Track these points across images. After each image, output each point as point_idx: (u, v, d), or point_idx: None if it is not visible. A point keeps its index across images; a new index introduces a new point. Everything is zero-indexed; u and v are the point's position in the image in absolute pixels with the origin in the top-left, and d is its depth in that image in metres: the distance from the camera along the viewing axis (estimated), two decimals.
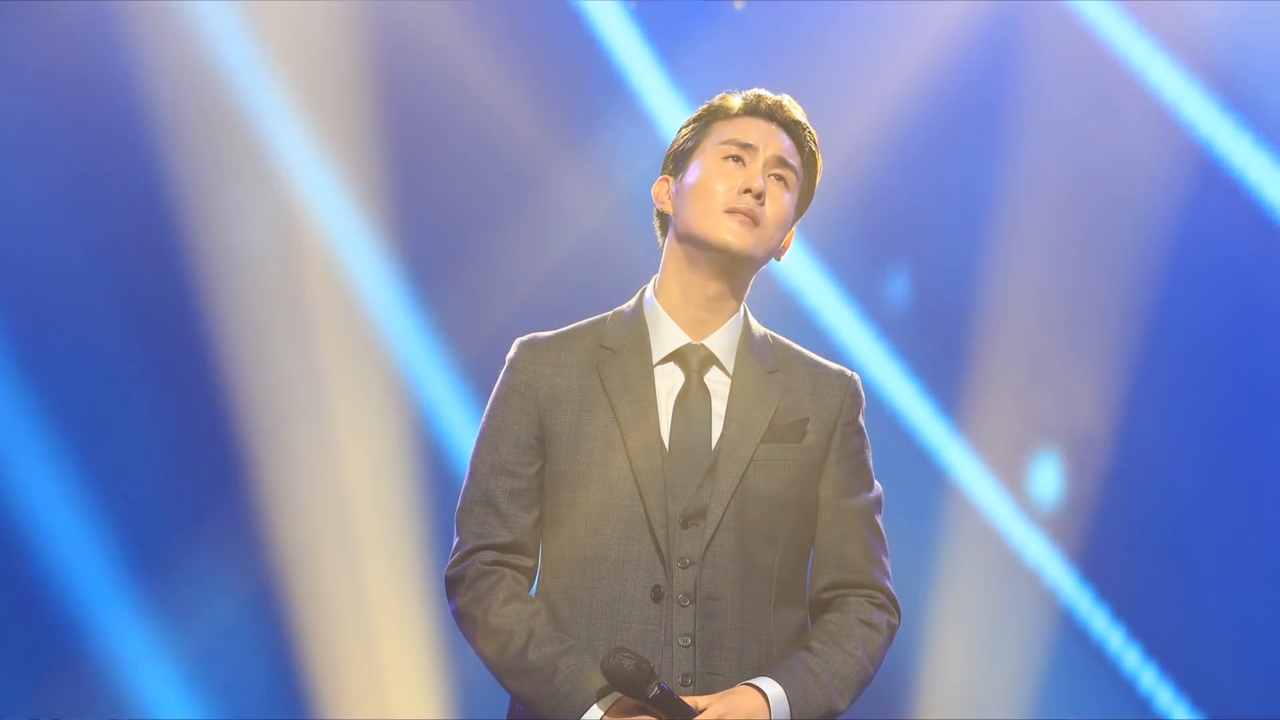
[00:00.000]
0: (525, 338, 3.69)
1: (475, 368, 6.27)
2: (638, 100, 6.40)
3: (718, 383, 3.63)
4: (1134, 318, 6.33)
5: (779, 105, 3.68)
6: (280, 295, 6.26)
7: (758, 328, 3.71)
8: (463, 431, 6.14)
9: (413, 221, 6.35)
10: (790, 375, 3.66)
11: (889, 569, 3.68)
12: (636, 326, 3.65)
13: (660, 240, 3.72)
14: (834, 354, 3.77)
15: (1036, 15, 6.38)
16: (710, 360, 3.63)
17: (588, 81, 6.42)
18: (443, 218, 6.38)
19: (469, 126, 6.38)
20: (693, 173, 3.64)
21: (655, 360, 3.63)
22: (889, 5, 6.39)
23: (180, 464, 6.22)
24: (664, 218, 3.70)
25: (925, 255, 6.41)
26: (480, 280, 6.34)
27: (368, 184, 6.32)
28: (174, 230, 6.24)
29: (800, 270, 6.37)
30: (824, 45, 6.40)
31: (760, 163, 3.62)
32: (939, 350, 6.37)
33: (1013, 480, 6.31)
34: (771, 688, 3.48)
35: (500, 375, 3.68)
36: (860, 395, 3.71)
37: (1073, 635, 6.30)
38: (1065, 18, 6.37)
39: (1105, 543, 6.31)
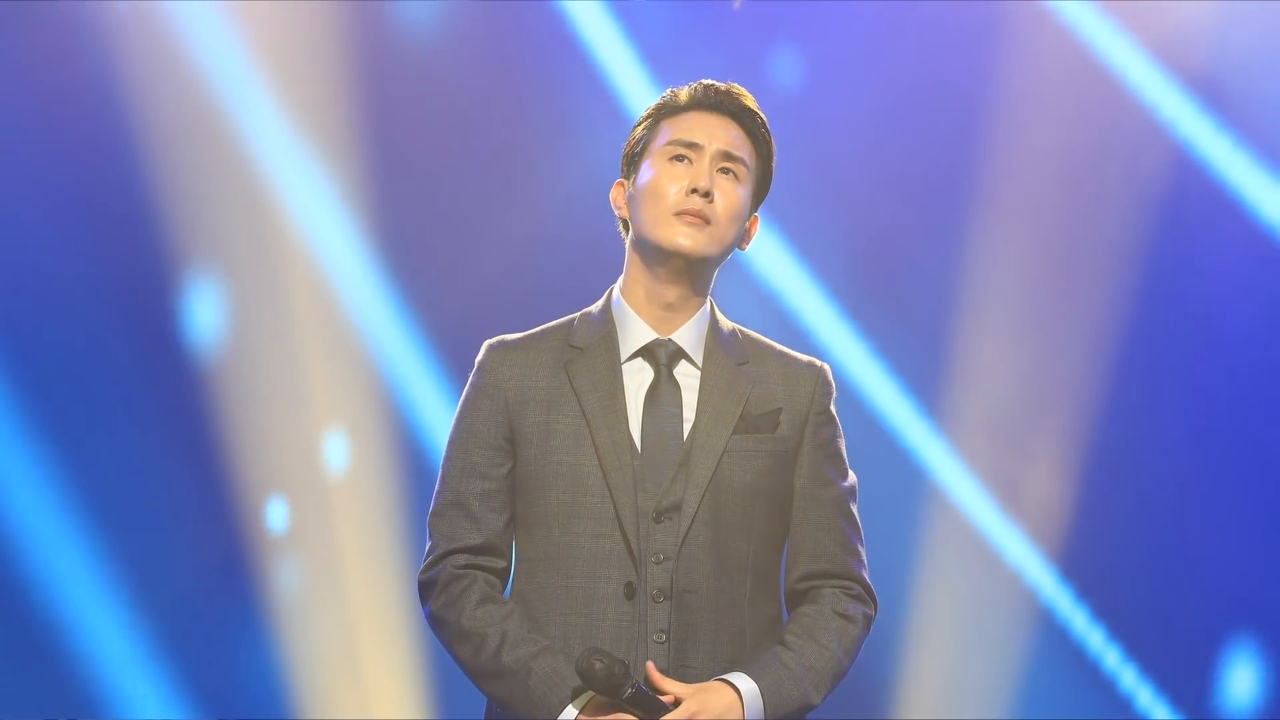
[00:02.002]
0: (493, 340, 3.69)
1: (456, 368, 6.26)
2: (624, 99, 6.39)
3: (687, 376, 3.62)
4: (1115, 317, 6.32)
5: (727, 95, 3.66)
6: (261, 294, 6.26)
7: (725, 322, 3.70)
8: (443, 432, 6.12)
9: (394, 221, 6.35)
10: (760, 367, 3.65)
11: (865, 559, 3.66)
12: (604, 325, 3.65)
13: (626, 241, 3.71)
14: (814, 353, 3.75)
15: (1024, 16, 6.37)
16: (679, 354, 3.62)
17: (574, 80, 6.41)
18: (424, 218, 6.38)
19: (452, 125, 6.37)
20: (643, 176, 3.63)
21: (623, 357, 3.62)
22: (875, 5, 6.38)
23: (162, 464, 6.21)
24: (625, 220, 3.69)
25: (907, 255, 6.40)
26: (461, 280, 6.33)
27: (348, 183, 6.32)
28: (155, 228, 6.24)
29: (780, 269, 6.35)
30: (812, 45, 6.39)
31: (707, 160, 3.60)
32: (919, 351, 6.36)
33: (993, 480, 6.29)
34: (745, 683, 3.47)
35: (469, 378, 3.67)
36: (831, 385, 3.70)
37: (1053, 634, 6.29)
38: (1048, 18, 6.37)
39: (1086, 542, 6.29)
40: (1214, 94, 6.34)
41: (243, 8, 6.29)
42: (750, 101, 3.67)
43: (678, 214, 3.57)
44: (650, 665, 3.46)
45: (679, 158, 3.61)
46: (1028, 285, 6.36)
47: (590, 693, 3.43)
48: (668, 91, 3.69)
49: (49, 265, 6.20)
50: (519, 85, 6.39)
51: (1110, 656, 6.27)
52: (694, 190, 3.57)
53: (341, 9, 6.32)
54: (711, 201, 3.58)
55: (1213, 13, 6.31)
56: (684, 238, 3.57)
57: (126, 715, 6.12)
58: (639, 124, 3.69)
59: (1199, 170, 6.32)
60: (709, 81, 3.67)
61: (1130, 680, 6.25)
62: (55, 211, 6.22)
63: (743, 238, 3.67)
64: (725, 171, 3.61)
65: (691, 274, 3.62)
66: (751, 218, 3.68)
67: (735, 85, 3.68)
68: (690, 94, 3.66)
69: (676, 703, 3.43)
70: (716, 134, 3.62)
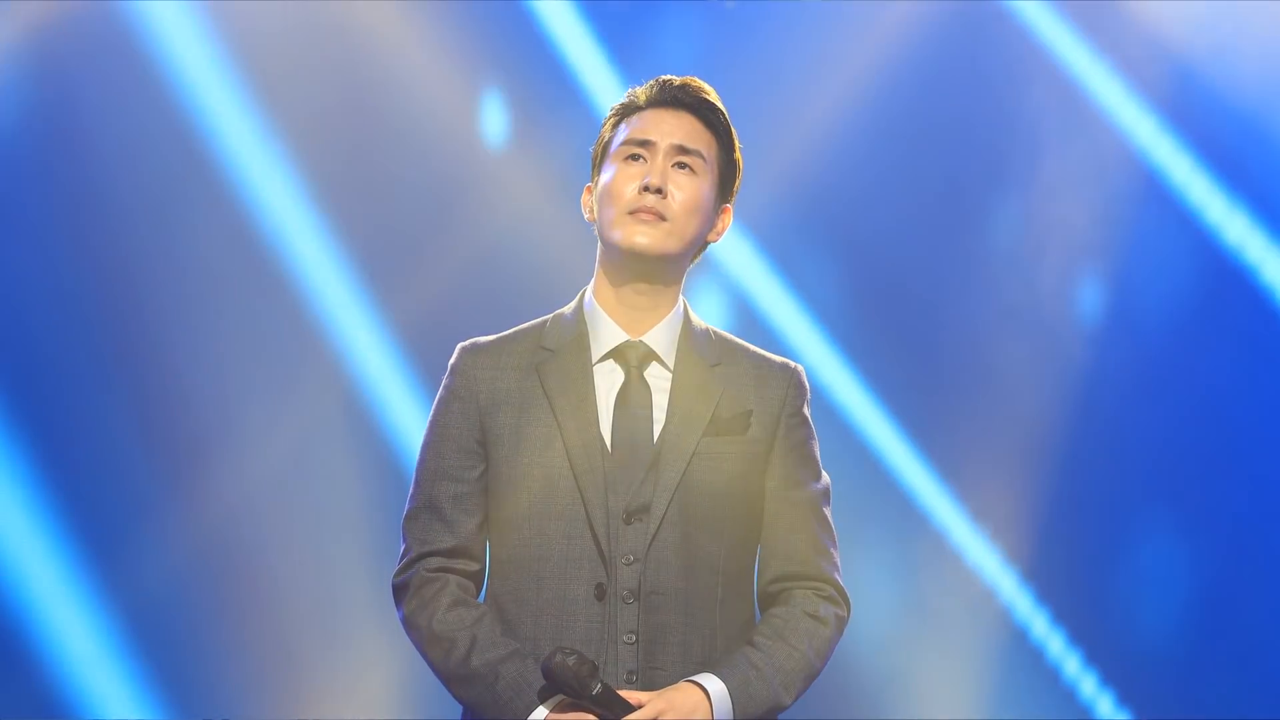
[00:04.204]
0: (466, 342, 3.69)
1: (428, 370, 6.26)
2: (597, 100, 6.39)
3: (659, 378, 3.61)
4: (1081, 324, 6.34)
5: (682, 89, 3.65)
6: (230, 293, 6.25)
7: (699, 323, 3.69)
8: (415, 434, 6.13)
9: (365, 223, 6.34)
10: (733, 368, 3.64)
11: (838, 561, 3.65)
12: (576, 327, 3.65)
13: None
14: (784, 353, 3.74)
15: (1007, 18, 6.39)
16: (650, 356, 3.62)
17: (545, 81, 6.41)
18: (396, 220, 6.37)
19: (423, 125, 6.37)
20: (603, 177, 3.64)
21: (595, 359, 3.62)
22: (862, 6, 6.39)
23: (131, 464, 6.21)
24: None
25: (878, 259, 6.41)
26: (434, 282, 6.32)
27: (319, 184, 6.32)
28: (123, 227, 6.24)
29: (749, 271, 6.35)
30: (796, 44, 6.40)
31: (660, 156, 3.60)
32: (891, 357, 6.36)
33: (959, 482, 6.30)
34: (713, 683, 3.47)
35: (443, 381, 3.68)
36: (805, 386, 3.69)
37: (1014, 637, 6.30)
38: (1023, 28, 6.39)
39: (1048, 545, 6.30)
40: (1180, 111, 6.37)
41: (211, 7, 6.28)
42: (708, 94, 3.65)
43: (632, 213, 3.57)
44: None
45: (634, 157, 3.61)
46: (997, 291, 6.37)
47: (556, 698, 3.44)
48: (628, 91, 3.69)
49: (12, 262, 6.19)
50: (488, 86, 6.38)
51: (1070, 663, 6.28)
52: (646, 188, 3.57)
53: (310, 9, 6.31)
54: (665, 197, 3.57)
55: (1170, 12, 6.34)
56: (640, 236, 3.57)
57: (96, 715, 6.11)
58: (603, 126, 3.69)
59: (1157, 179, 6.35)
60: (666, 77, 3.66)
61: (1090, 688, 6.26)
62: (21, 207, 6.21)
63: (710, 230, 3.66)
64: (681, 166, 3.60)
65: (656, 272, 3.61)
66: (722, 209, 3.68)
67: (692, 79, 3.67)
68: (647, 92, 3.66)
69: (640, 705, 3.43)
70: (669, 129, 3.61)
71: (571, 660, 3.37)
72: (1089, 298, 6.34)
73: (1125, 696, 6.25)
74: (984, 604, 6.30)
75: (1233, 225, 6.30)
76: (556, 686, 3.41)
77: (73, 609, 6.14)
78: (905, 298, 6.37)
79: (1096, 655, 6.27)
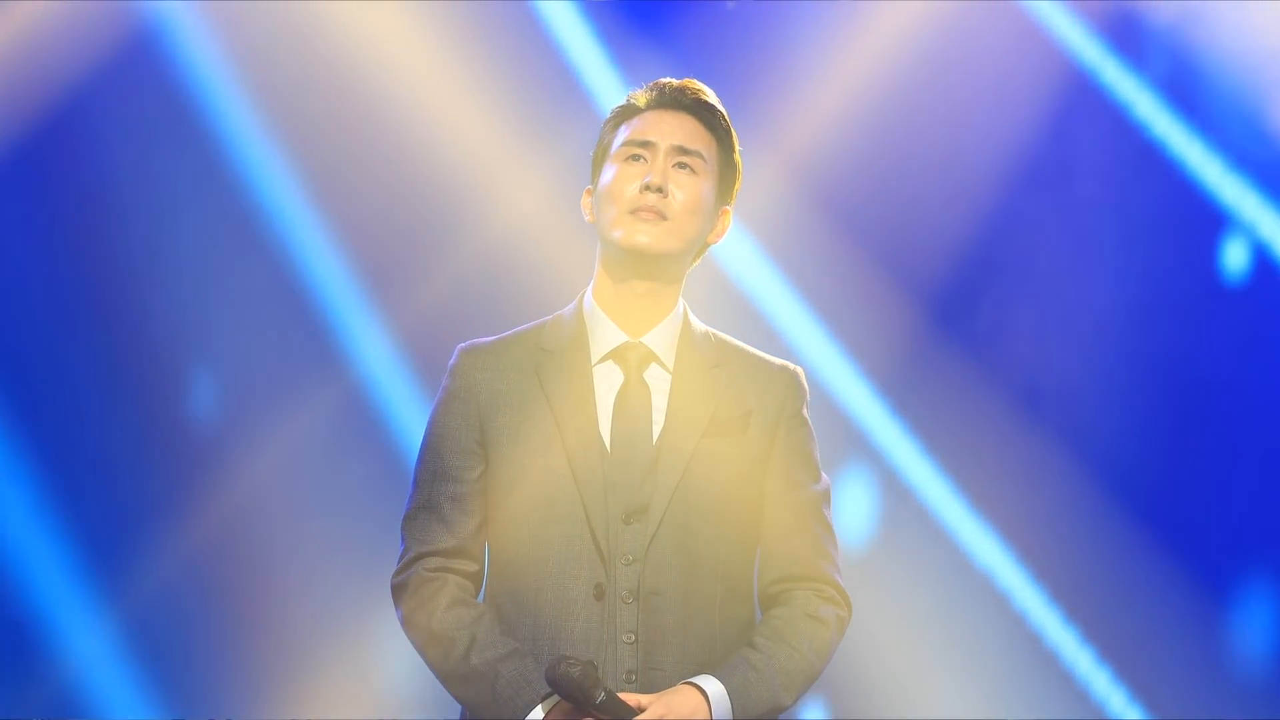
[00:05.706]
0: (465, 344, 3.70)
1: (429, 371, 6.26)
2: (599, 102, 6.40)
3: (658, 379, 3.62)
4: (1087, 317, 6.33)
5: (681, 91, 3.66)
6: (232, 297, 6.26)
7: (698, 325, 3.70)
8: (416, 434, 6.13)
9: (366, 224, 6.34)
10: (732, 370, 3.65)
11: (838, 562, 3.65)
12: (575, 328, 3.65)
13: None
14: (786, 354, 3.75)
15: (1008, 15, 6.39)
16: (649, 357, 3.62)
17: (548, 82, 6.42)
18: (397, 221, 6.37)
19: (426, 126, 6.37)
20: (603, 179, 3.65)
21: (594, 360, 3.62)
22: (859, 4, 6.39)
23: (135, 466, 6.22)
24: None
25: (881, 255, 6.41)
26: (435, 284, 6.33)
27: (320, 184, 6.32)
28: (126, 227, 6.25)
29: (752, 269, 6.36)
30: (798, 44, 6.41)
31: (661, 156, 3.61)
32: (892, 352, 6.36)
33: (965, 479, 6.30)
34: (712, 685, 3.47)
35: (442, 382, 3.68)
36: (804, 388, 3.69)
37: (1025, 636, 6.29)
38: (1024, 21, 6.39)
39: (1058, 543, 6.29)
40: (1182, 94, 6.37)
41: (216, 8, 6.29)
42: (707, 95, 3.66)
43: (633, 212, 3.58)
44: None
45: (635, 157, 3.62)
46: (1004, 290, 6.37)
47: (557, 698, 3.44)
48: (627, 95, 3.70)
49: (17, 263, 6.20)
50: (493, 87, 6.38)
51: (1083, 660, 6.27)
52: (647, 187, 3.58)
53: (311, 10, 6.32)
54: (666, 196, 3.58)
55: (1178, 10, 6.35)
56: (642, 235, 3.58)
57: (99, 715, 6.11)
58: (602, 129, 3.71)
59: (1173, 170, 6.34)
60: (665, 80, 3.68)
61: (1103, 684, 6.26)
62: (26, 205, 6.22)
63: (710, 232, 3.67)
64: (682, 166, 3.61)
65: (655, 271, 3.62)
66: (722, 210, 3.68)
67: (691, 81, 3.68)
68: (646, 95, 3.67)
69: (642, 709, 3.43)
70: (670, 130, 3.62)
71: (575, 671, 3.37)
72: (1101, 295, 6.33)
73: (1137, 690, 6.25)
74: (990, 603, 6.30)
75: (1265, 222, 6.29)
76: (561, 696, 3.41)
77: (76, 610, 6.14)
78: (908, 297, 6.37)
79: (1109, 652, 6.27)
